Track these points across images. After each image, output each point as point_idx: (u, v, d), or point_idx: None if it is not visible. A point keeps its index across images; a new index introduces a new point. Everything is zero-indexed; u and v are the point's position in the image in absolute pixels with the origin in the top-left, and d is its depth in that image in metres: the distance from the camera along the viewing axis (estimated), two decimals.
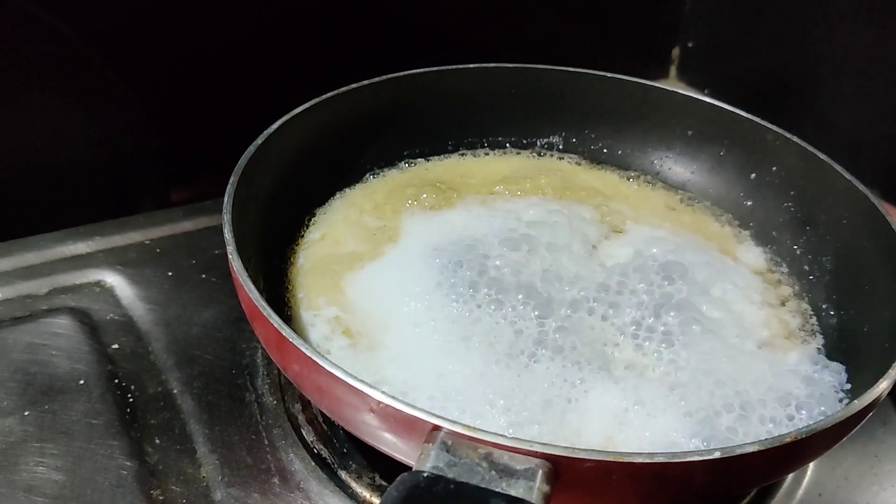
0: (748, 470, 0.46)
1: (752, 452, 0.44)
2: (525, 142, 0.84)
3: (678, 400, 0.55)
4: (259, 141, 0.65)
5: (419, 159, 0.80)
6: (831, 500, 0.62)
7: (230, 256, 0.55)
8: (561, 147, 0.84)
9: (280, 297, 0.64)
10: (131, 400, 0.66)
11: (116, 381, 0.67)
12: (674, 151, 0.81)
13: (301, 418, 0.64)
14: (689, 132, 0.80)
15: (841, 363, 0.61)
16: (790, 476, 0.63)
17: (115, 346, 0.70)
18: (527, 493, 0.41)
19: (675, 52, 1.17)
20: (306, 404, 0.66)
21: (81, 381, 0.66)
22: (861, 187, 0.66)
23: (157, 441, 0.62)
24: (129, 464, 0.60)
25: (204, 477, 0.60)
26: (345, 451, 0.62)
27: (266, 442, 0.63)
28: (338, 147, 0.75)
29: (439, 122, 0.81)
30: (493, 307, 0.61)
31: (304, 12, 0.90)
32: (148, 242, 0.81)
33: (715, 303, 0.63)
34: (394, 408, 0.45)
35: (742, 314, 0.64)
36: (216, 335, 0.72)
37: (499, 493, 0.41)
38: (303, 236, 0.70)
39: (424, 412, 0.44)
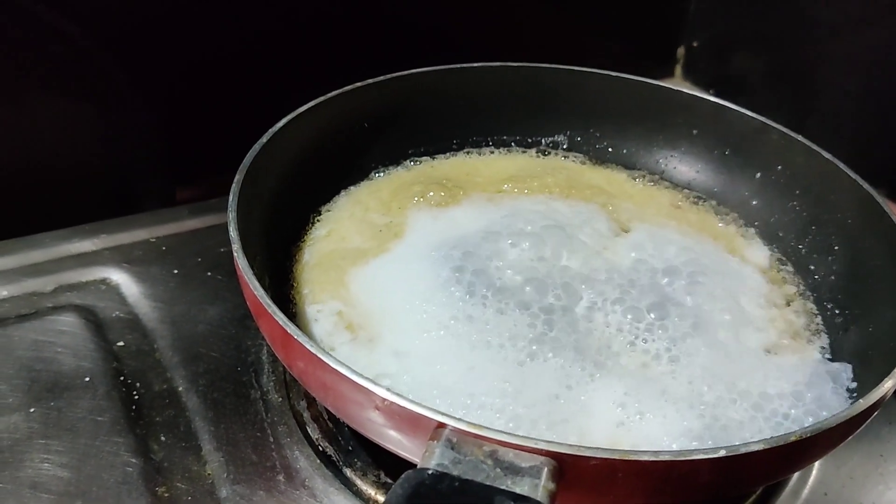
0: (754, 468, 0.46)
1: (758, 451, 0.44)
2: (530, 140, 0.84)
3: (683, 399, 0.55)
4: (264, 139, 0.65)
5: (424, 158, 0.80)
6: (836, 499, 0.62)
7: (235, 254, 0.55)
8: (566, 146, 0.84)
9: (285, 294, 0.64)
10: (136, 397, 0.66)
11: (122, 378, 0.67)
12: (679, 150, 0.81)
13: (306, 416, 0.65)
14: (695, 131, 0.80)
15: (846, 362, 0.61)
16: (795, 475, 0.63)
17: (121, 343, 0.70)
18: (532, 490, 0.41)
19: (680, 51, 1.17)
20: (311, 402, 0.66)
21: (87, 379, 0.66)
22: (866, 186, 0.66)
23: (163, 438, 0.63)
24: (134, 461, 0.60)
25: (209, 474, 0.60)
26: (350, 448, 0.62)
27: (271, 439, 0.63)
28: (342, 145, 0.75)
29: (444, 121, 0.81)
30: (497, 304, 0.61)
31: (309, 12, 0.90)
32: (153, 240, 0.81)
33: (720, 302, 0.63)
34: (399, 405, 0.45)
35: (747, 313, 0.64)
36: (221, 333, 0.72)
37: (504, 490, 0.41)
38: (308, 233, 0.70)
39: (430, 410, 0.44)
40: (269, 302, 0.51)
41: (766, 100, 1.05)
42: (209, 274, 0.78)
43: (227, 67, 0.88)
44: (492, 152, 0.82)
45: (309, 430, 0.63)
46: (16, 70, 0.78)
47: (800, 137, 0.73)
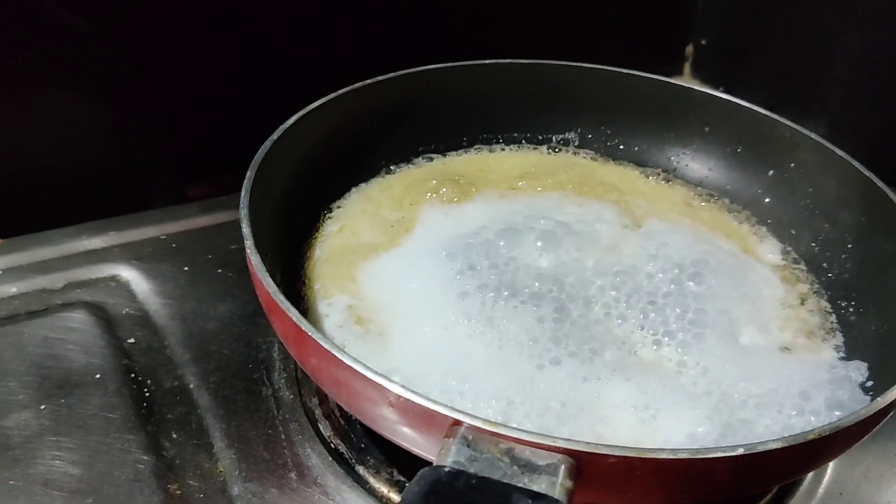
0: (771, 467, 0.46)
1: (776, 449, 0.43)
2: (540, 137, 0.83)
3: (698, 398, 0.55)
4: (275, 136, 0.65)
5: (435, 155, 0.80)
6: (851, 498, 0.61)
7: (248, 251, 0.55)
8: (577, 143, 0.83)
9: (296, 291, 0.64)
10: (147, 394, 0.66)
11: (132, 375, 0.67)
12: (691, 148, 0.81)
13: (318, 413, 0.64)
14: (706, 129, 0.80)
15: (861, 361, 0.60)
16: (810, 475, 0.62)
17: (131, 340, 0.70)
18: (549, 488, 0.41)
19: (689, 49, 1.17)
20: (323, 398, 0.65)
21: (97, 376, 0.66)
22: (880, 184, 0.66)
23: (174, 435, 0.62)
24: (145, 458, 0.60)
25: (221, 471, 0.60)
26: (362, 445, 0.62)
27: (283, 437, 0.63)
28: (353, 142, 0.75)
29: (454, 118, 0.80)
30: (510, 301, 0.60)
31: (320, 10, 0.90)
32: (164, 237, 0.81)
33: (734, 300, 0.63)
34: (413, 402, 0.44)
35: (762, 312, 0.63)
36: (232, 330, 0.72)
37: (521, 488, 0.40)
38: (319, 230, 0.70)
39: (445, 407, 0.44)
40: (283, 298, 0.51)
41: (776, 97, 1.04)
42: (219, 271, 0.78)
43: (236, 64, 0.88)
44: (503, 149, 0.82)
45: (321, 428, 0.63)
46: (25, 67, 0.78)
47: (812, 135, 0.72)
